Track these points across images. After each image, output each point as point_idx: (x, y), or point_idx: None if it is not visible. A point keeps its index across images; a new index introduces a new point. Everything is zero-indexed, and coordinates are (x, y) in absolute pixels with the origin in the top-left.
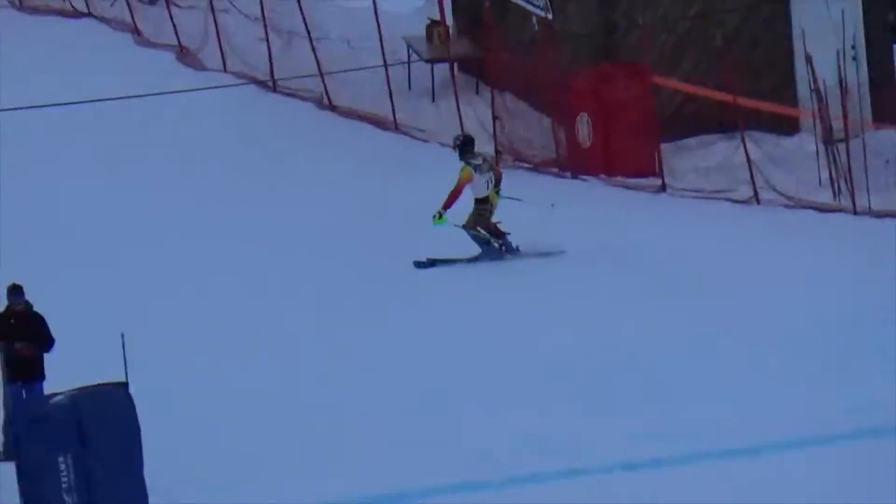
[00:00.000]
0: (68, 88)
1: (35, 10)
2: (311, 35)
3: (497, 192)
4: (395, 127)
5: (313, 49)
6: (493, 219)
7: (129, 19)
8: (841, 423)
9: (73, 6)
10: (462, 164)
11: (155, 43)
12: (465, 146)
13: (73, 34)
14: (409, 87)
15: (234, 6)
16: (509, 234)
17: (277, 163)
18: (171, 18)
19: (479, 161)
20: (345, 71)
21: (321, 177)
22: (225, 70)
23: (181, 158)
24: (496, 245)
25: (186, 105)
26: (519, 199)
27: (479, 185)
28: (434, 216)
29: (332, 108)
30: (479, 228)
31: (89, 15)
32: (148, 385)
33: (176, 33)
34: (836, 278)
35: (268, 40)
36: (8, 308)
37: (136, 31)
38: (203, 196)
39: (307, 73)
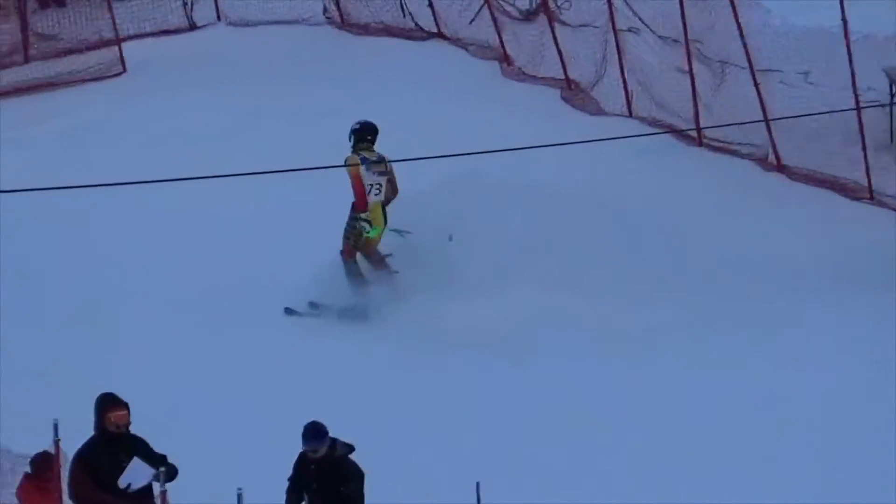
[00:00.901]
0: (415, 127)
1: (364, 30)
2: (753, 66)
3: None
4: (871, 196)
5: (756, 85)
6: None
7: (495, 42)
8: None
9: (416, 24)
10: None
11: (531, 75)
12: (362, 133)
13: (416, 61)
14: (892, 140)
15: (645, 24)
16: (397, 272)
17: (716, 237)
18: (556, 42)
19: (374, 157)
20: (797, 116)
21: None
22: (630, 114)
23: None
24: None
25: (576, 157)
26: (409, 232)
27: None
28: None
29: (780, 168)
30: (354, 256)
31: (438, 36)
32: None
33: (562, 62)
34: None
35: (691, 73)
36: (305, 452)
37: (504, 59)
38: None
39: (746, 118)
